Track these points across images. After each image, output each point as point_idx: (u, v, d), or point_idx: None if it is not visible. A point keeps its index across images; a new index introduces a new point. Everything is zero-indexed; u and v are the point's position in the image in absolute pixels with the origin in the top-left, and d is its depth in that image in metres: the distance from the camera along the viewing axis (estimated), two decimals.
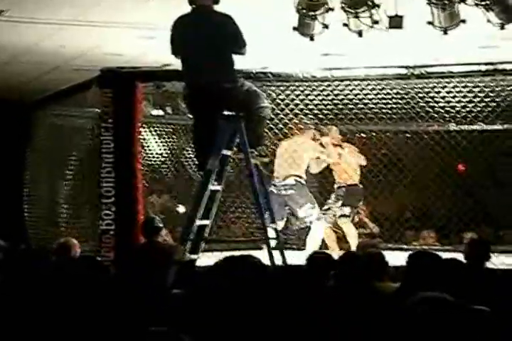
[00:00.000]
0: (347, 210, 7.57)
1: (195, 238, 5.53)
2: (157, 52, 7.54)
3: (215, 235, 7.69)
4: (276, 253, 5.55)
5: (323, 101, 7.65)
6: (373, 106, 7.64)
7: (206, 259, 5.27)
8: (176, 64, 6.05)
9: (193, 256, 5.41)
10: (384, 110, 7.70)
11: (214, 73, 5.51)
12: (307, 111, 7.77)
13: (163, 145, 9.20)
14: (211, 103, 5.61)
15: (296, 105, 7.69)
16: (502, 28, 5.37)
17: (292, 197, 7.22)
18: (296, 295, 3.24)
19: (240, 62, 5.74)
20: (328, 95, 7.58)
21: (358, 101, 7.61)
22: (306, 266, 4.28)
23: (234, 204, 8.59)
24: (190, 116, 6.26)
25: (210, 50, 5.47)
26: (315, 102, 7.66)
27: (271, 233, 5.74)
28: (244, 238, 8.33)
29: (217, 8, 5.54)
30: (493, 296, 3.42)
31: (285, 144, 7.47)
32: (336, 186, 7.79)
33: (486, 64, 6.84)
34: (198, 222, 5.55)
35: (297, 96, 7.61)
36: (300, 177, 7.30)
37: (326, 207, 7.68)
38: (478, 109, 7.35)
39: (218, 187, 5.75)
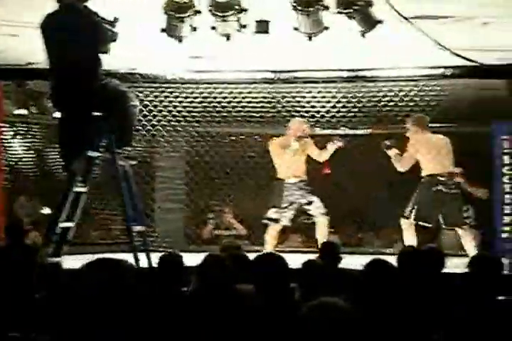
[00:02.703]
0: None
1: (58, 240, 5.42)
2: (20, 50, 7.32)
3: (80, 238, 7.55)
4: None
5: (192, 104, 7.67)
6: (241, 109, 7.73)
7: (69, 262, 5.16)
8: (41, 62, 5.91)
9: (56, 259, 5.30)
10: (251, 113, 7.80)
11: (79, 73, 5.43)
12: (175, 113, 7.77)
13: (27, 145, 8.96)
14: (77, 103, 5.53)
15: (165, 107, 7.68)
16: (363, 35, 5.56)
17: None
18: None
19: (108, 63, 5.68)
20: (197, 97, 7.61)
21: (226, 104, 7.68)
22: (158, 268, 4.30)
23: (101, 205, 8.47)
24: (56, 115, 6.14)
25: (74, 49, 5.40)
26: (183, 104, 7.67)
27: (136, 235, 5.71)
28: (110, 240, 8.22)
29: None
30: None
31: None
32: None
33: (348, 70, 7.09)
34: (62, 224, 5.45)
35: (165, 97, 7.60)
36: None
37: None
38: (341, 114, 7.60)
39: (83, 189, 5.66)
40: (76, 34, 5.41)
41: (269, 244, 7.44)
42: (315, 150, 7.55)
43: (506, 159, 7.78)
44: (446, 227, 7.36)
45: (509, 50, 6.35)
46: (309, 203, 7.43)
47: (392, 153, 7.28)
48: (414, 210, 7.13)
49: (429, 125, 7.24)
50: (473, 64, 6.54)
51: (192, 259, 4.49)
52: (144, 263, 5.62)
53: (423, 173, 7.20)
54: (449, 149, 7.16)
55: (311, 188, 7.50)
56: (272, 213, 7.43)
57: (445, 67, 6.85)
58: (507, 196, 7.68)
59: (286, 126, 7.49)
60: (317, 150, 7.53)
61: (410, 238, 7.00)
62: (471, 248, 6.89)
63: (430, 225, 7.27)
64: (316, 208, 7.42)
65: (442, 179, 7.06)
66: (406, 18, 5.45)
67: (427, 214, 7.09)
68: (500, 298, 3.71)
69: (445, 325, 3.40)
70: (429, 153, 7.11)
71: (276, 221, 7.46)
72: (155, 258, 5.58)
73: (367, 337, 2.26)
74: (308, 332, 2.13)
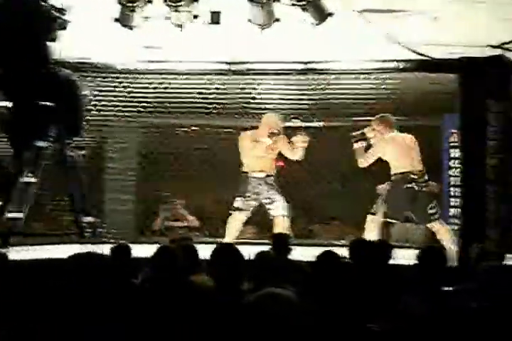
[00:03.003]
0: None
1: (5, 231, 5.35)
2: None
3: (28, 228, 7.45)
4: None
5: (143, 94, 7.63)
6: (193, 100, 7.70)
7: (15, 253, 5.11)
8: None
9: (2, 250, 5.22)
10: (203, 104, 7.78)
11: (27, 61, 5.36)
12: (126, 104, 7.71)
13: None
14: (25, 92, 5.45)
15: (115, 97, 7.62)
16: (315, 28, 5.58)
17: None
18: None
19: (57, 51, 5.61)
20: (148, 88, 7.57)
21: (178, 95, 7.64)
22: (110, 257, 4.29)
23: (50, 196, 8.36)
24: (3, 104, 6.05)
25: (22, 37, 5.32)
26: (134, 95, 7.62)
27: (86, 226, 5.66)
28: (60, 231, 8.12)
29: None
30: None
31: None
32: None
33: (301, 63, 7.10)
34: (9, 215, 5.38)
35: (115, 88, 7.54)
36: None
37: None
38: (294, 106, 7.61)
39: (32, 179, 5.59)
40: (24, 22, 5.33)
41: (229, 235, 7.38)
42: (288, 149, 7.44)
43: (454, 152, 7.90)
44: (417, 223, 7.46)
45: (459, 45, 6.44)
46: (271, 202, 7.37)
47: (358, 146, 7.28)
48: (382, 207, 7.18)
49: None
50: (425, 58, 6.62)
51: (143, 250, 4.48)
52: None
53: (393, 171, 7.24)
54: (416, 147, 7.23)
55: (277, 186, 7.46)
56: (236, 202, 7.39)
57: (397, 61, 6.91)
58: (453, 189, 7.81)
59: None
60: (289, 148, 7.42)
61: (371, 233, 7.03)
62: (447, 240, 6.91)
63: (398, 221, 7.36)
64: (277, 208, 7.35)
65: (414, 177, 7.13)
66: (358, 12, 5.48)
67: (396, 211, 7.16)
68: (446, 288, 3.77)
69: (391, 316, 3.44)
70: (396, 151, 7.14)
71: (240, 209, 7.40)
72: (105, 249, 5.58)
73: (314, 327, 2.28)
74: (254, 321, 2.14)
